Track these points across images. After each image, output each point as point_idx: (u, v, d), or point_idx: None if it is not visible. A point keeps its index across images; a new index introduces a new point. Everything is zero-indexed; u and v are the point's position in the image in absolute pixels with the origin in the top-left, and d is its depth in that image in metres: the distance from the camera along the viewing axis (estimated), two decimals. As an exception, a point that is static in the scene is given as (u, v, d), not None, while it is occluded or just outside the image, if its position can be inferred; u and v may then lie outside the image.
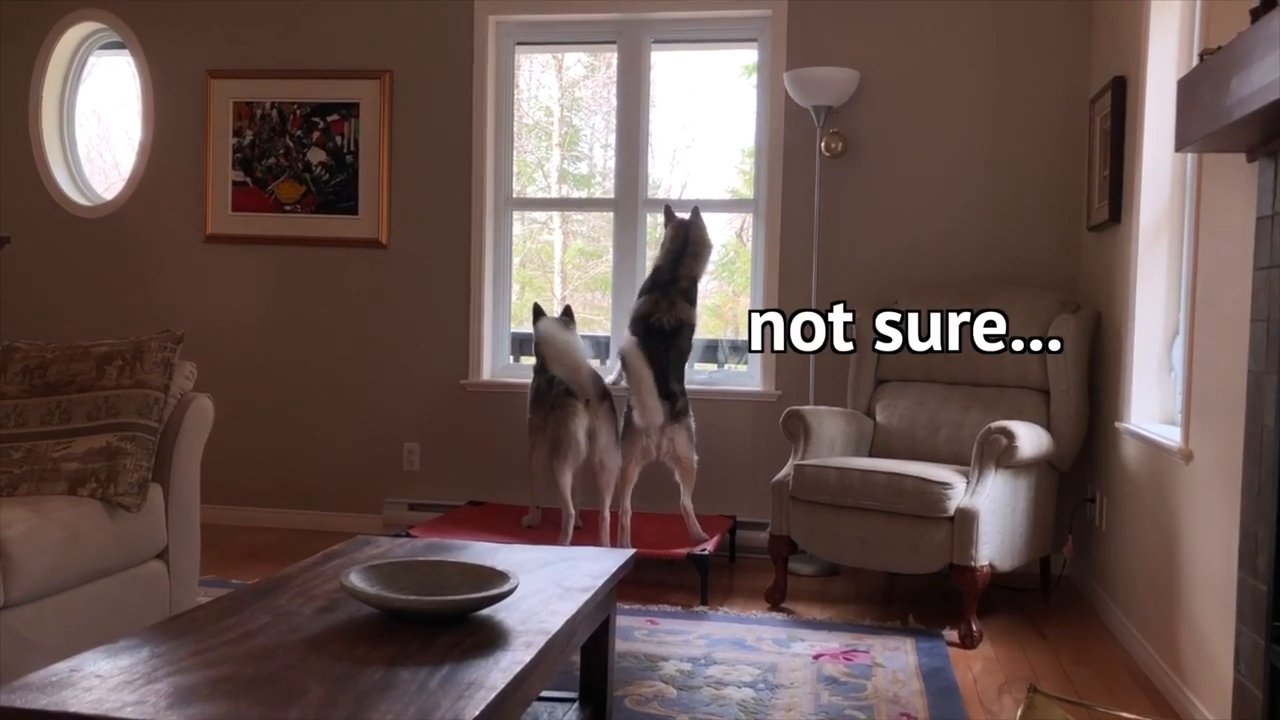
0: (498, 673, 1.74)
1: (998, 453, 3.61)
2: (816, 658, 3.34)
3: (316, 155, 5.11)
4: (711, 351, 5.17)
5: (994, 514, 3.62)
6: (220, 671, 1.71)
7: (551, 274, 5.68)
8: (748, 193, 5.06)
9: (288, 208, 5.15)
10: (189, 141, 5.23)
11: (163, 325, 5.06)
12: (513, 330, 5.16)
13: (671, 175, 5.43)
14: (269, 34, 5.15)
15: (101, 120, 5.92)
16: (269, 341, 5.20)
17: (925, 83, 4.63)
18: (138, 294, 5.30)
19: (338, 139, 5.09)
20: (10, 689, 1.63)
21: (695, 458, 4.27)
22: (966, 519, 3.54)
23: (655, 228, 5.04)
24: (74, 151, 5.54)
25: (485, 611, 2.06)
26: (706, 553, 3.98)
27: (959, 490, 3.61)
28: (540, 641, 1.91)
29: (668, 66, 5.09)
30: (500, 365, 5.12)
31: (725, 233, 5.52)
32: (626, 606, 3.83)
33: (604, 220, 5.28)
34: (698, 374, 5.02)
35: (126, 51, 5.32)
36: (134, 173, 5.31)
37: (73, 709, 1.56)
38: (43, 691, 1.62)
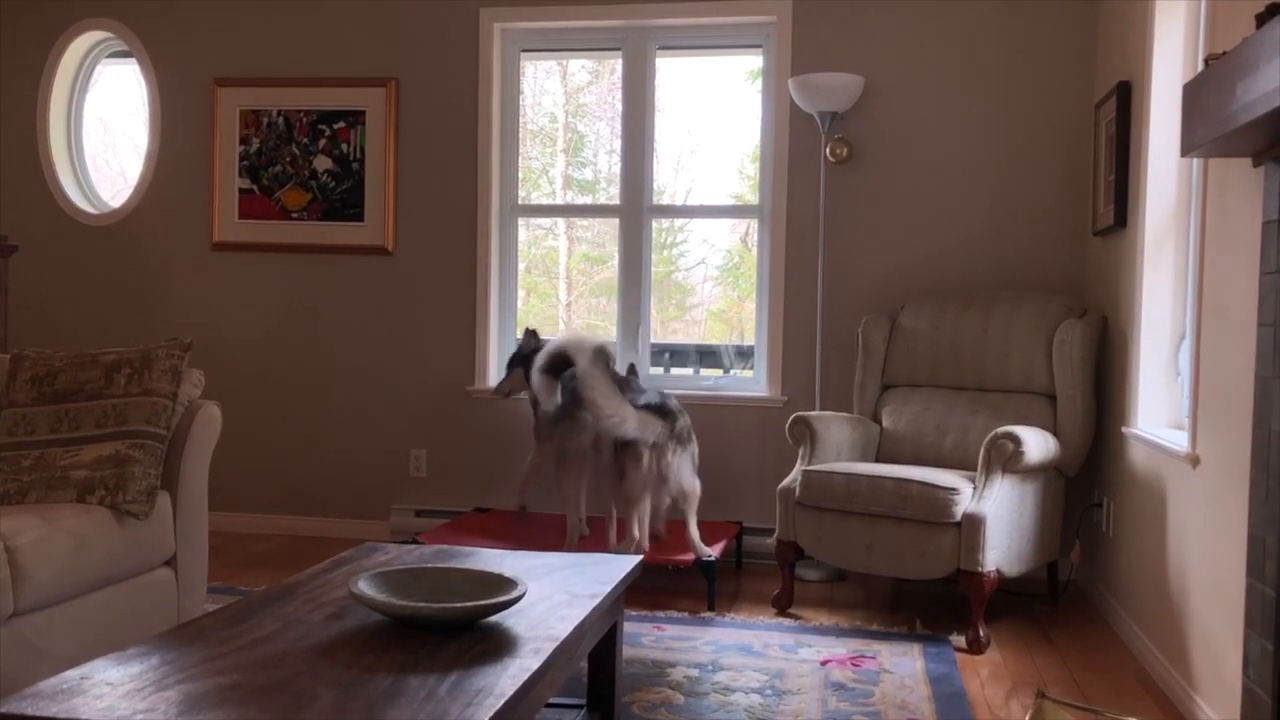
0: (506, 679, 1.74)
1: (1004, 458, 3.61)
2: (824, 664, 3.33)
3: (323, 163, 5.13)
4: (716, 357, 5.17)
5: (1001, 519, 3.62)
6: (230, 679, 1.72)
7: (556, 280, 5.68)
8: (752, 198, 5.06)
9: (294, 215, 5.17)
10: (196, 149, 5.25)
11: (170, 333, 5.07)
12: (519, 337, 5.17)
13: (676, 181, 5.44)
14: (275, 42, 5.17)
15: (108, 128, 5.94)
16: (276, 349, 5.21)
17: (930, 88, 4.64)
18: (145, 302, 5.31)
19: (344, 146, 5.11)
20: (21, 696, 1.63)
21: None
22: (973, 524, 3.54)
23: (660, 233, 5.05)
24: (81, 160, 5.56)
25: (493, 618, 2.07)
26: (713, 559, 3.98)
27: (966, 495, 3.61)
28: (549, 648, 1.91)
29: (672, 72, 5.10)
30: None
31: (730, 238, 5.53)
32: (634, 613, 3.83)
33: (609, 226, 5.29)
34: (704, 379, 5.03)
35: (133, 60, 5.34)
36: (141, 181, 5.33)
37: (84, 716, 1.56)
38: (53, 699, 1.62)
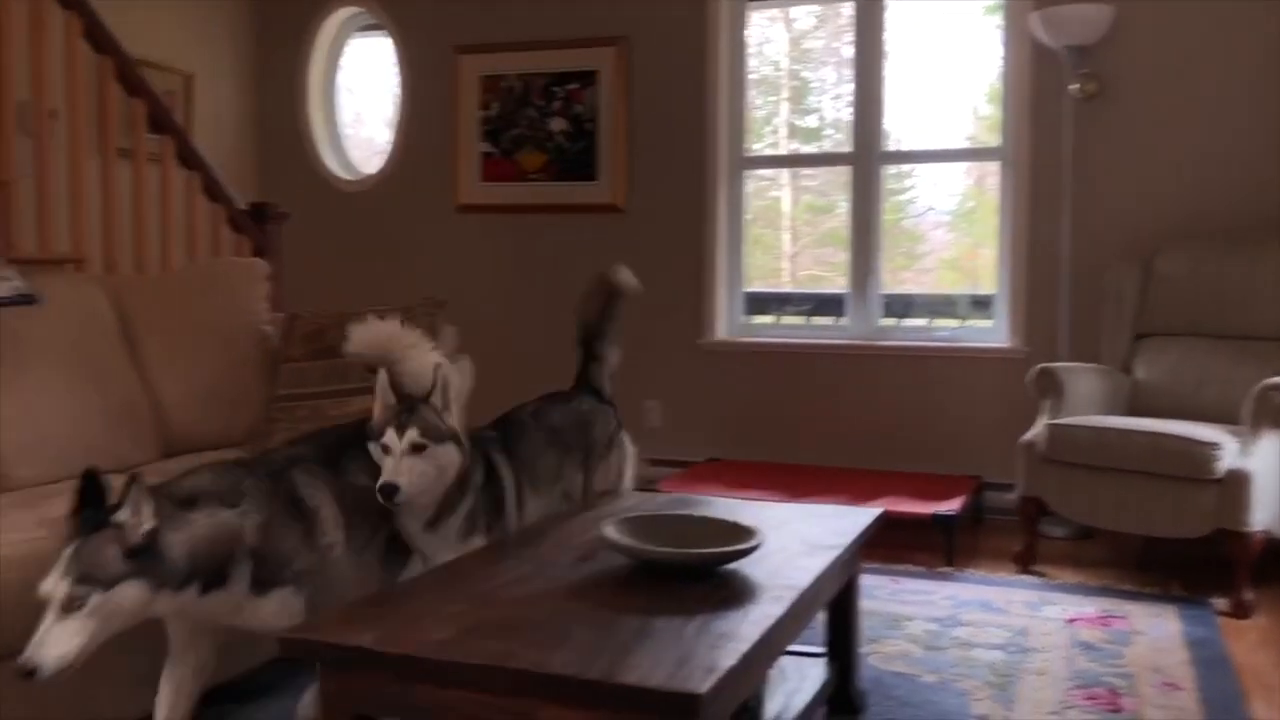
0: (749, 625, 1.79)
1: (1274, 411, 3.36)
2: (1070, 622, 3.22)
3: (558, 124, 5.28)
4: (951, 306, 5.01)
5: (1270, 476, 3.37)
6: (492, 614, 1.84)
7: (780, 231, 5.64)
8: (988, 140, 4.85)
9: (531, 176, 5.36)
10: (440, 116, 5.52)
11: (420, 292, 5.37)
12: (745, 290, 5.19)
13: (906, 125, 5.27)
14: (511, 7, 5.35)
15: (355, 98, 6.31)
16: (517, 304, 5.44)
17: (1188, 16, 4.28)
18: (397, 263, 5.66)
19: (577, 107, 5.24)
20: (307, 625, 1.81)
21: None
22: (1238, 481, 3.32)
23: (886, 179, 4.93)
24: (337, 130, 5.96)
25: (731, 565, 2.11)
26: (952, 513, 3.90)
27: (1229, 451, 3.38)
28: (790, 596, 1.94)
29: (903, 11, 4.93)
30: (736, 324, 5.16)
31: (963, 182, 5.32)
32: (868, 566, 3.80)
33: (834, 174, 5.20)
34: (938, 331, 4.89)
35: (380, 33, 5.66)
36: (392, 148, 5.66)
37: (362, 644, 1.72)
38: (339, 628, 1.79)
